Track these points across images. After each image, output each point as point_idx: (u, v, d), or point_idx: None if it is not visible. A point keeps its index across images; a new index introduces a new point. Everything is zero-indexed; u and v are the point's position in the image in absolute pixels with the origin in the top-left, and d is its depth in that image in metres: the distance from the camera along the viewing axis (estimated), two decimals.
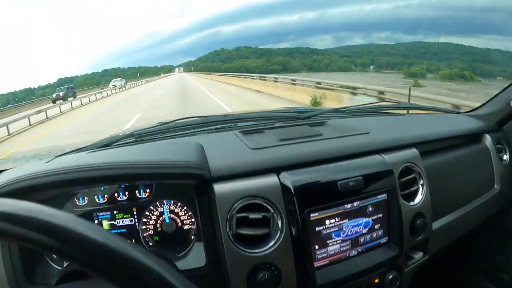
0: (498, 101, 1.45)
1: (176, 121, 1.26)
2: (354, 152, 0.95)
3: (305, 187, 0.82)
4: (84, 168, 0.69)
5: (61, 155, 1.06)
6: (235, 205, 0.78)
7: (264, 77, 18.02)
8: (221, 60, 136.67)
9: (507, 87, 1.41)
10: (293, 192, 0.80)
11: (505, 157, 1.38)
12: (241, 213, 0.78)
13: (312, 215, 0.81)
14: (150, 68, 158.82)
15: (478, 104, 1.54)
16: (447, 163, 1.18)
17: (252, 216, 0.78)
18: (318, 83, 11.46)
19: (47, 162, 0.89)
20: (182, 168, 0.75)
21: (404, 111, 1.58)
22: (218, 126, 1.22)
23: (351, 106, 1.56)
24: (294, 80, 13.27)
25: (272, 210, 0.79)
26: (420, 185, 1.01)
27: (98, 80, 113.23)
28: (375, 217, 0.90)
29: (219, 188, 0.79)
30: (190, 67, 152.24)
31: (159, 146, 0.99)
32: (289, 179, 0.82)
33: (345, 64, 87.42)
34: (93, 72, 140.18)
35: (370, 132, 1.06)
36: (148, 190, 0.86)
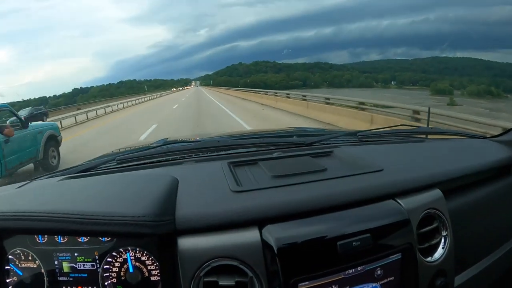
0: None
1: (169, 145, 1.22)
2: (363, 198, 0.78)
3: (293, 247, 0.66)
4: (22, 216, 0.63)
5: (36, 178, 1.07)
6: (202, 267, 0.64)
7: (288, 94, 16.95)
8: (239, 75, 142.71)
9: None
10: (276, 252, 0.65)
11: None
12: (209, 276, 0.64)
13: (300, 284, 0.65)
14: (166, 81, 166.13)
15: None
16: (474, 204, 1.01)
17: (223, 282, 0.64)
18: (362, 103, 10.05)
19: (19, 187, 0.92)
20: (127, 226, 0.63)
21: (423, 136, 1.49)
22: (208, 154, 1.14)
23: (364, 131, 1.43)
24: (328, 99, 11.96)
25: (250, 274, 0.65)
26: (442, 236, 0.84)
27: (112, 91, 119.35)
28: (385, 281, 0.73)
29: (185, 243, 0.67)
30: (207, 80, 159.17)
31: (127, 182, 0.87)
32: (273, 235, 0.67)
33: (366, 80, 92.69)
34: (109, 84, 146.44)
35: (384, 169, 0.90)
36: None
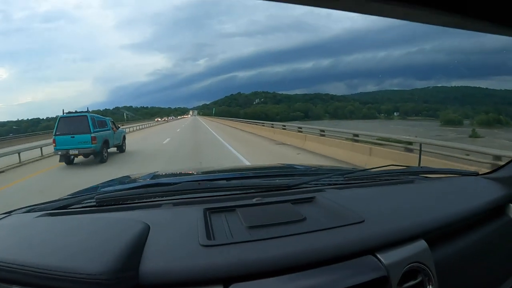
0: None
1: (148, 188, 1.23)
2: (340, 255, 0.76)
3: None
4: None
5: (14, 210, 1.10)
6: None
7: (301, 128, 14.86)
8: (238, 105, 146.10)
9: None
10: None
11: None
12: None
13: None
14: (163, 109, 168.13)
15: None
16: (464, 251, 0.97)
17: None
18: (383, 137, 9.38)
19: None
20: (81, 284, 0.63)
21: (414, 176, 1.45)
22: (188, 197, 1.14)
23: (351, 171, 1.45)
24: (323, 131, 11.60)
25: None
26: None
27: (113, 117, 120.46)
28: None
29: None
30: (205, 110, 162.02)
31: (97, 228, 0.87)
32: None
33: (369, 111, 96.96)
34: (105, 109, 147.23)
35: (366, 220, 0.88)
36: None
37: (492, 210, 1.13)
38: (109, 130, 11.38)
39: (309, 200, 1.06)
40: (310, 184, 1.26)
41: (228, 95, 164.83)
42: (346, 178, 1.34)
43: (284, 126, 16.43)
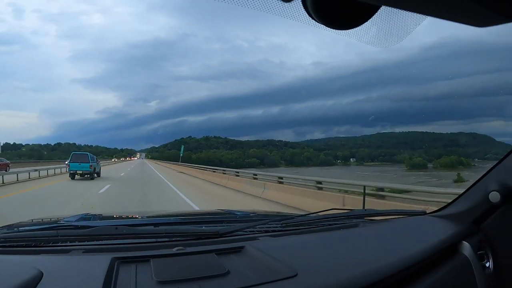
0: (473, 194, 1.28)
1: (60, 230, 1.11)
2: None
3: None
4: None
5: None
6: None
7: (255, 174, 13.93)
8: (189, 149, 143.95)
9: (482, 177, 1.26)
10: None
11: (488, 263, 1.16)
12: None
13: None
14: (109, 149, 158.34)
15: None
16: None
17: None
18: (319, 182, 9.28)
19: None
20: None
21: (358, 220, 1.38)
22: (103, 243, 1.05)
23: (291, 216, 1.38)
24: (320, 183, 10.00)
25: None
26: None
27: (47, 153, 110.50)
28: None
29: None
30: (153, 153, 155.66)
31: None
32: None
33: (327, 158, 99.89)
34: (47, 144, 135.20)
35: (299, 273, 0.80)
36: None
37: (445, 249, 1.09)
38: (95, 162, 19.69)
39: (237, 250, 0.97)
40: (245, 231, 1.16)
41: (179, 138, 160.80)
42: (284, 225, 1.25)
43: (256, 175, 14.55)
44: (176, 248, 0.96)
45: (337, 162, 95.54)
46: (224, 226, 1.20)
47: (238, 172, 16.78)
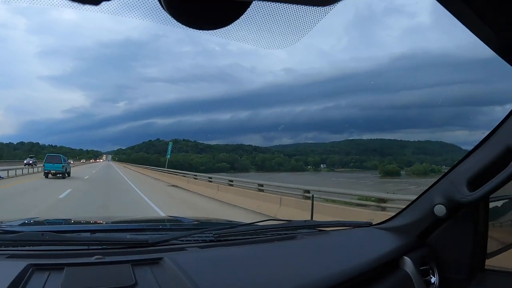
0: (418, 207, 1.25)
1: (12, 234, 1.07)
2: None
3: None
4: None
5: None
6: None
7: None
8: (157, 152, 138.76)
9: (428, 189, 1.25)
10: None
11: (434, 279, 1.13)
12: None
13: None
14: (73, 150, 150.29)
15: None
16: None
17: None
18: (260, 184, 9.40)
19: None
20: None
21: (297, 231, 1.31)
22: (25, 249, 1.01)
23: (226, 226, 1.33)
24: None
25: None
26: None
27: (9, 153, 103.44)
28: None
29: None
30: (120, 155, 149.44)
31: None
32: None
33: (298, 164, 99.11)
34: (9, 143, 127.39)
35: None
36: None
37: (386, 264, 1.06)
38: (66, 163, 22.43)
39: (155, 262, 0.92)
40: (176, 240, 1.11)
41: (146, 141, 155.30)
42: (216, 235, 1.17)
43: (231, 181, 13.76)
44: (95, 257, 0.93)
45: (308, 168, 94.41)
46: (160, 234, 1.15)
47: (232, 182, 14.03)
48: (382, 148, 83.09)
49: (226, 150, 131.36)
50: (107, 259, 0.91)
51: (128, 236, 1.16)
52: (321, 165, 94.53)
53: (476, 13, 0.64)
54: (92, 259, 0.90)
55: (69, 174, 22.41)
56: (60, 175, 20.53)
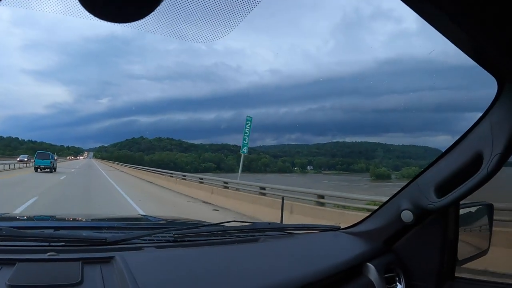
0: (386, 212, 1.24)
1: None
2: None
3: None
4: None
5: None
6: None
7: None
8: (140, 150, 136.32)
9: (395, 195, 1.22)
10: None
11: (399, 287, 1.13)
12: None
13: None
14: (54, 146, 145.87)
15: None
16: None
17: None
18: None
19: None
20: None
21: (260, 234, 1.28)
22: (9, 244, 0.98)
23: (186, 227, 1.29)
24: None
25: None
26: None
27: None
28: None
29: None
30: (102, 153, 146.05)
31: None
32: None
33: (285, 165, 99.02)
34: None
35: None
36: None
37: (349, 269, 1.05)
38: (54, 159, 26.34)
39: (106, 260, 0.91)
40: (140, 240, 1.10)
41: (130, 138, 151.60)
42: (176, 235, 1.15)
43: (227, 184, 13.20)
44: (48, 254, 0.91)
45: (295, 170, 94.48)
46: (123, 233, 1.15)
47: (227, 184, 13.28)
48: (367, 151, 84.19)
49: (211, 149, 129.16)
50: (60, 256, 0.91)
51: (84, 234, 1.17)
52: (308, 167, 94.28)
53: (450, 17, 0.64)
54: (45, 256, 0.90)
55: (55, 169, 25.80)
56: (48, 169, 24.51)
